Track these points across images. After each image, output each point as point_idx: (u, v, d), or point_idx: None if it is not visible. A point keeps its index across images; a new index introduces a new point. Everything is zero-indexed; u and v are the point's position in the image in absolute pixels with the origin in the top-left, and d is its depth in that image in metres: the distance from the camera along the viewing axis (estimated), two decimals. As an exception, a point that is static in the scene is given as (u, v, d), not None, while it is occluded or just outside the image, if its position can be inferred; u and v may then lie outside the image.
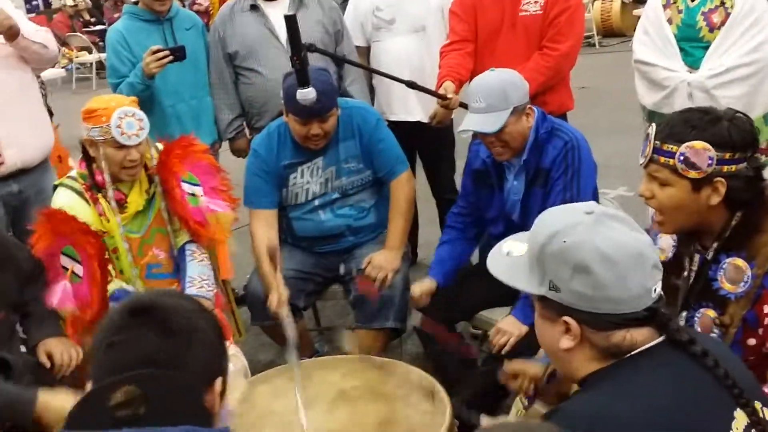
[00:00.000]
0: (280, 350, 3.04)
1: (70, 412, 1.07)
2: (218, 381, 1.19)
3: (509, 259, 1.39)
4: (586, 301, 1.26)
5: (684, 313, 1.78)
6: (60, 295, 2.44)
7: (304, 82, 2.56)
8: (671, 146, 1.68)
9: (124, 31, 3.39)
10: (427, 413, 2.07)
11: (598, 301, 1.25)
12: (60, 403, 2.05)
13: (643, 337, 1.28)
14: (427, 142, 3.62)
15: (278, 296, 2.60)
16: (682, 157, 1.67)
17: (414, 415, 2.10)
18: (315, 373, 2.33)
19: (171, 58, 3.19)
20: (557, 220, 1.31)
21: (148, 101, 3.28)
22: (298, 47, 2.55)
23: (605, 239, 1.25)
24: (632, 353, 1.27)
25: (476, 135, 2.65)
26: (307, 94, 2.56)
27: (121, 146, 2.46)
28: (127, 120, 2.45)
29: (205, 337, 1.19)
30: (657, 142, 1.72)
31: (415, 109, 3.50)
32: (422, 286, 2.73)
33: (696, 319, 1.75)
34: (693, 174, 1.67)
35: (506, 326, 2.47)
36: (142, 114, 2.50)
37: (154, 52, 3.17)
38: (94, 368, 1.16)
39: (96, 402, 1.06)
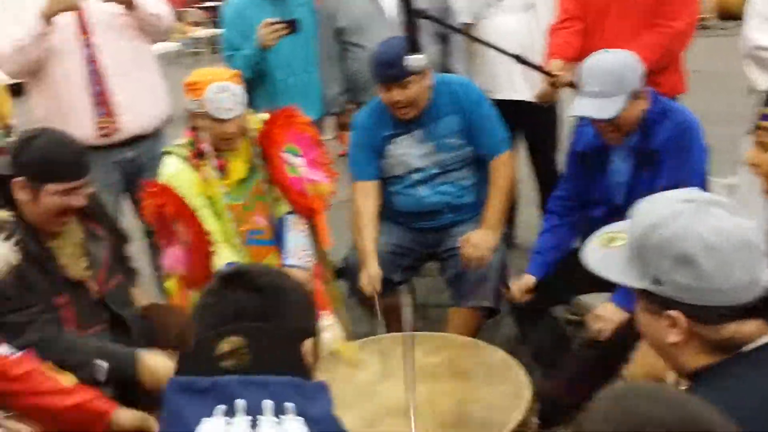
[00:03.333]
0: (375, 324, 3.07)
1: (178, 361, 1.13)
2: (308, 342, 1.22)
3: (606, 251, 1.35)
4: (691, 294, 1.21)
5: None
6: (172, 258, 2.56)
7: (414, 49, 2.56)
8: None
9: (240, 5, 3.48)
10: (506, 395, 2.06)
11: (703, 293, 1.20)
12: (155, 362, 2.16)
13: (756, 330, 1.22)
14: (530, 122, 3.55)
15: (368, 276, 2.64)
16: None
17: (493, 395, 2.09)
18: (398, 349, 2.36)
19: (286, 30, 3.27)
20: (656, 210, 1.26)
21: (260, 74, 3.39)
22: (410, 12, 2.54)
23: (708, 228, 1.19)
24: (747, 349, 1.22)
25: (583, 117, 2.59)
26: (416, 61, 2.56)
27: (216, 119, 2.54)
28: (221, 95, 2.53)
29: (294, 296, 1.23)
30: (765, 107, 1.65)
31: (521, 88, 3.44)
32: (520, 285, 2.69)
33: None
34: None
35: (605, 312, 2.41)
36: (237, 89, 2.57)
37: (270, 24, 3.24)
38: (193, 330, 1.22)
39: (203, 351, 1.12)
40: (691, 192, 1.27)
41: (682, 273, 1.20)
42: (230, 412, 1.05)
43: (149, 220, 2.60)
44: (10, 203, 2.22)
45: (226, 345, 1.10)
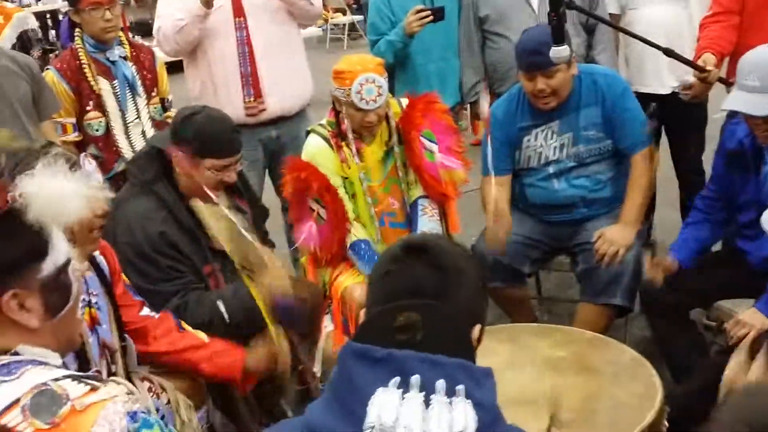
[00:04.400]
0: (502, 313, 3.07)
1: (359, 327, 1.18)
2: (477, 327, 1.23)
3: None
4: None
5: None
6: (306, 234, 2.66)
7: (559, 40, 2.52)
8: None
9: None
10: (635, 395, 2.00)
11: None
12: (264, 278, 2.22)
13: None
14: (675, 118, 3.41)
15: (495, 233, 2.71)
16: None
17: (621, 395, 2.04)
18: (523, 338, 2.34)
19: (432, 18, 3.32)
20: None
21: (401, 59, 3.45)
22: (556, 3, 2.51)
23: None
24: None
25: (734, 114, 2.47)
26: (560, 52, 2.53)
27: (360, 109, 2.61)
28: (367, 86, 2.60)
29: (471, 279, 1.24)
30: None
31: (668, 81, 3.32)
32: (657, 262, 2.62)
33: None
34: None
35: (748, 318, 2.30)
36: (382, 81, 2.64)
37: (418, 11, 3.30)
38: (370, 294, 1.26)
39: (382, 322, 1.14)
40: None
41: None
42: (404, 386, 1.07)
43: (288, 195, 2.71)
44: (167, 175, 2.37)
45: (402, 318, 1.12)
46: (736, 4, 2.95)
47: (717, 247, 2.87)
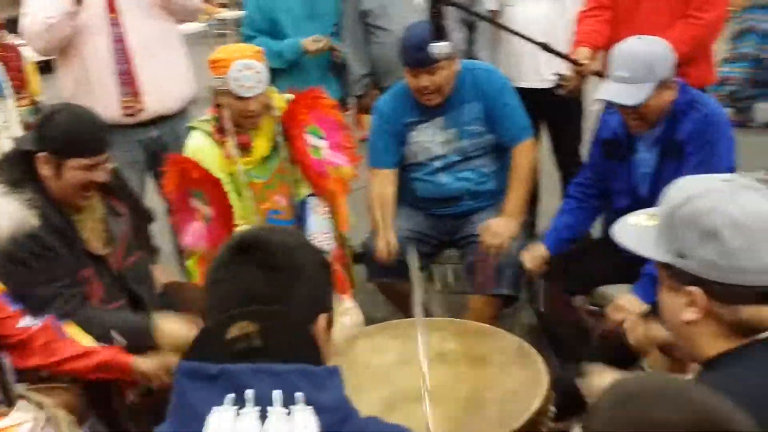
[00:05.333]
0: (394, 308, 3.08)
1: (189, 346, 1.12)
2: (323, 317, 1.20)
3: (637, 227, 1.35)
4: (714, 270, 1.20)
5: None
6: (193, 235, 2.57)
7: (439, 36, 2.54)
8: None
9: None
10: (523, 383, 2.05)
11: (726, 271, 1.19)
12: (172, 327, 2.20)
13: None
14: (554, 111, 3.52)
15: (386, 242, 2.66)
16: None
17: (510, 382, 2.08)
18: (413, 332, 2.35)
19: (328, 48, 3.46)
20: (691, 185, 1.26)
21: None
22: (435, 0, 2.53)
23: (738, 207, 1.19)
24: (762, 336, 1.21)
25: (608, 104, 2.56)
26: (441, 48, 2.55)
27: (239, 97, 2.54)
28: (245, 73, 2.54)
29: (309, 272, 1.20)
30: None
31: (545, 76, 3.41)
32: (534, 254, 2.69)
33: None
34: None
35: (625, 303, 2.40)
36: (261, 66, 2.58)
37: (317, 41, 3.42)
38: (204, 304, 1.20)
39: (213, 336, 1.09)
40: (731, 175, 1.27)
41: (708, 248, 1.20)
42: (240, 402, 1.03)
43: (169, 194, 2.61)
44: (35, 178, 2.24)
45: (236, 329, 1.08)
46: (609, 0, 3.06)
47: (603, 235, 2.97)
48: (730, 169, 2.45)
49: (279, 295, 1.15)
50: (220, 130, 2.66)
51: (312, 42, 3.42)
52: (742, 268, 1.19)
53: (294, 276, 1.18)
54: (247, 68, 2.54)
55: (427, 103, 2.82)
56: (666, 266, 1.28)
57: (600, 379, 1.63)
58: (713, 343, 1.25)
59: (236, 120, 2.64)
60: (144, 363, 2.16)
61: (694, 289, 1.23)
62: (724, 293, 1.21)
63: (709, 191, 1.22)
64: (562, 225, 2.76)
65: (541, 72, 3.42)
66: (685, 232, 1.23)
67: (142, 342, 2.21)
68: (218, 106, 2.66)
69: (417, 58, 2.68)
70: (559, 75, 3.08)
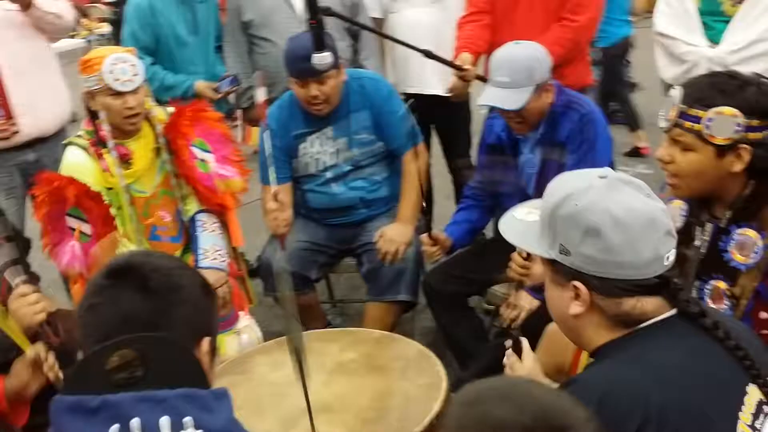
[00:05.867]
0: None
1: (68, 377, 1.07)
2: (206, 340, 1.18)
3: (522, 223, 1.38)
4: (596, 266, 1.24)
5: (696, 285, 1.76)
6: (68, 256, 2.45)
7: (320, 46, 2.53)
8: (698, 111, 1.64)
9: (150, 2, 3.40)
10: (423, 387, 2.07)
11: (607, 266, 1.23)
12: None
13: (653, 307, 1.26)
14: (442, 115, 3.58)
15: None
16: (709, 123, 1.63)
17: (410, 388, 2.10)
18: (314, 345, 2.33)
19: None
20: (570, 183, 1.29)
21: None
22: (314, 10, 2.52)
23: (617, 203, 1.23)
24: (645, 324, 1.26)
25: (492, 109, 2.62)
26: (322, 59, 2.54)
27: (117, 93, 2.46)
28: (119, 66, 2.44)
29: (187, 295, 1.17)
30: (683, 106, 1.67)
31: (432, 82, 3.47)
32: (437, 235, 2.72)
33: (706, 290, 1.73)
34: (719, 140, 1.63)
35: (518, 300, 2.46)
36: (135, 60, 2.50)
37: (212, 89, 3.44)
38: (80, 333, 1.16)
39: (93, 366, 1.05)
40: (607, 170, 1.31)
41: (589, 245, 1.23)
42: None
43: (39, 215, 2.48)
44: None
45: (115, 358, 1.04)
46: (488, 4, 3.14)
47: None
48: (609, 165, 2.55)
49: (158, 318, 1.12)
50: (97, 143, 2.54)
51: (207, 89, 3.43)
52: (621, 263, 1.23)
53: (172, 298, 1.15)
54: (121, 61, 2.44)
55: (317, 112, 2.80)
56: (551, 262, 1.31)
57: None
58: (599, 334, 1.29)
59: (116, 124, 2.52)
60: (14, 378, 2.03)
61: (578, 284, 1.27)
62: (605, 287, 1.25)
63: (588, 189, 1.25)
64: (463, 219, 2.82)
65: (427, 78, 3.48)
66: (567, 229, 1.26)
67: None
68: (93, 114, 2.54)
69: (304, 67, 2.66)
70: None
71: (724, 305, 1.69)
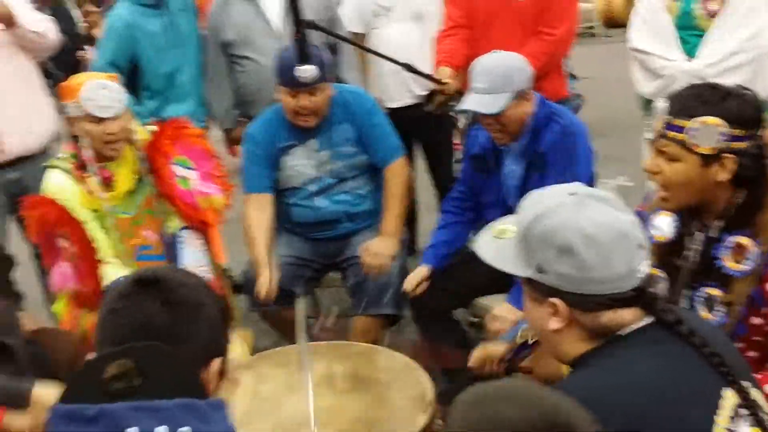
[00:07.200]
0: (278, 337, 3.05)
1: (66, 384, 1.07)
2: (216, 361, 1.19)
3: (497, 242, 1.39)
4: (572, 283, 1.26)
5: (688, 293, 1.77)
6: (59, 277, 2.45)
7: (304, 59, 2.55)
8: (682, 121, 1.68)
9: (128, 18, 3.38)
10: (409, 399, 2.09)
11: (583, 282, 1.25)
12: (50, 395, 2.07)
13: (631, 317, 1.28)
14: (425, 129, 3.61)
15: (266, 279, 2.65)
16: (693, 132, 1.66)
17: (397, 401, 2.12)
18: (299, 359, 2.34)
19: None
20: (541, 202, 1.31)
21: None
22: (298, 23, 2.54)
23: (587, 219, 1.25)
24: (623, 333, 1.28)
25: (475, 121, 2.65)
26: (306, 71, 2.56)
27: (97, 120, 2.46)
28: (100, 92, 2.44)
29: (209, 314, 1.19)
30: (668, 117, 1.71)
31: (414, 95, 3.50)
32: (415, 276, 2.74)
33: (700, 298, 1.75)
34: (703, 149, 1.66)
35: (502, 313, 2.48)
36: (117, 86, 2.50)
37: None
38: (97, 335, 1.17)
39: (90, 374, 1.05)
40: (576, 186, 1.33)
41: (564, 262, 1.25)
42: None
43: (33, 237, 2.48)
44: None
45: (114, 368, 1.04)
46: (465, 19, 3.18)
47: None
48: (589, 177, 2.59)
49: (175, 330, 1.14)
50: (80, 167, 2.54)
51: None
52: (596, 278, 1.25)
53: (192, 314, 1.17)
54: (101, 87, 2.45)
55: (303, 124, 2.81)
56: (528, 279, 1.33)
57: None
58: (577, 346, 1.31)
59: (97, 149, 2.52)
60: (18, 420, 2.03)
61: (556, 300, 1.28)
62: (583, 302, 1.27)
63: (558, 207, 1.27)
64: (440, 241, 2.82)
65: (410, 89, 3.51)
66: (541, 249, 1.27)
67: (16, 406, 2.07)
68: (75, 139, 2.55)
69: (296, 77, 2.67)
70: (427, 93, 3.16)
71: (718, 312, 1.71)
